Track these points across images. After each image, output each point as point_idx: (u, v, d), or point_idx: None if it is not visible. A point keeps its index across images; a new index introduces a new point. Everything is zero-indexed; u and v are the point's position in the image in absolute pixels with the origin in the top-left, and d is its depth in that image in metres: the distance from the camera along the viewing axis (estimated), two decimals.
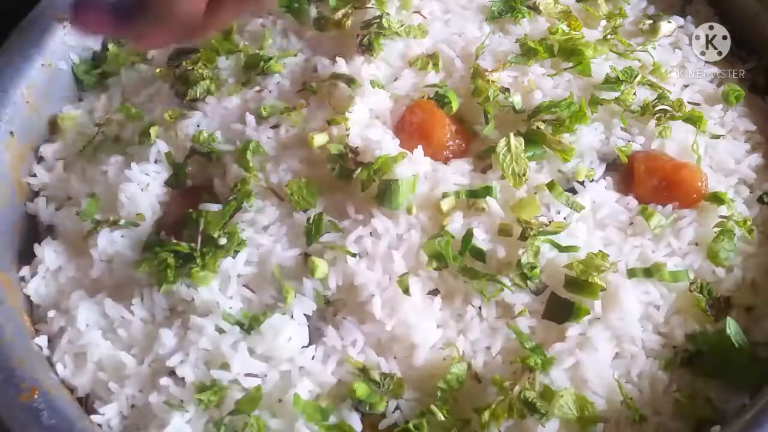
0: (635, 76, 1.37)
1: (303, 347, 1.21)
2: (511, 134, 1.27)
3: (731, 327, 1.18)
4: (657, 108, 1.35)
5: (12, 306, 1.30)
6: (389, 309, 1.20)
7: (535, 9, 1.49)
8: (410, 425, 1.13)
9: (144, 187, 1.37)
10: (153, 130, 1.41)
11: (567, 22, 1.47)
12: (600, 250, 1.21)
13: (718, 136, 1.37)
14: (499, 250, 1.21)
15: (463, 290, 1.22)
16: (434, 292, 1.23)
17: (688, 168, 1.30)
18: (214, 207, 1.29)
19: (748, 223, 1.28)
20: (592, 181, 1.30)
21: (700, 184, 1.30)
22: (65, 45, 1.59)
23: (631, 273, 1.21)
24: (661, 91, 1.39)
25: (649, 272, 1.21)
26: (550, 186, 1.24)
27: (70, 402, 1.22)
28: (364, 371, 1.18)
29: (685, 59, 1.48)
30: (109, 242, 1.33)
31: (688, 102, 1.40)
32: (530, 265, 1.19)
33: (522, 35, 1.45)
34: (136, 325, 1.26)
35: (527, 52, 1.41)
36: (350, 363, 1.18)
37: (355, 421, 1.18)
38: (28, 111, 1.50)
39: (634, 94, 1.35)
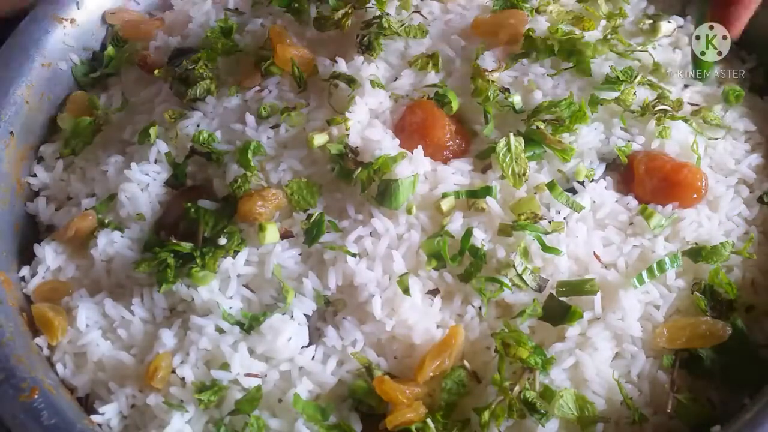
0: (635, 76, 1.38)
1: (303, 347, 1.21)
2: (511, 134, 1.27)
3: (732, 327, 1.18)
4: (657, 108, 1.35)
5: (12, 306, 1.30)
6: (389, 309, 1.20)
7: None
8: (412, 426, 1.13)
9: (144, 187, 1.37)
10: (153, 130, 1.41)
11: (581, 25, 1.47)
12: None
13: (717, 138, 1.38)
14: (499, 250, 1.21)
15: (463, 290, 1.22)
16: (434, 292, 1.23)
17: (688, 168, 1.30)
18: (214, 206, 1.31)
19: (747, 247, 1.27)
20: (593, 181, 1.30)
21: (700, 184, 1.30)
22: (65, 45, 1.59)
23: (640, 279, 1.20)
24: (661, 91, 1.39)
25: (651, 272, 1.21)
26: (550, 186, 1.24)
27: (70, 402, 1.22)
28: (368, 369, 1.18)
29: (685, 59, 1.48)
30: (109, 242, 1.33)
31: (688, 102, 1.41)
32: (523, 265, 1.20)
33: None
34: (136, 325, 1.26)
35: (530, 45, 1.41)
36: (356, 358, 1.19)
37: (355, 421, 1.18)
38: (28, 111, 1.50)
39: (634, 94, 1.35)
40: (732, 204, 1.31)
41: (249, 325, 1.21)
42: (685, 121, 1.35)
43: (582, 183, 1.28)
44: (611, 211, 1.27)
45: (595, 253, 1.23)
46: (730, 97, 1.42)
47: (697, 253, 1.24)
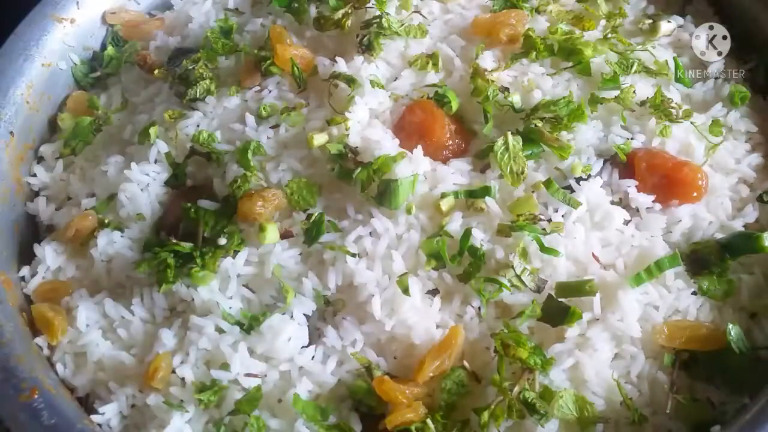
0: (632, 65, 1.38)
1: (303, 347, 1.21)
2: (509, 133, 1.27)
3: (732, 333, 1.18)
4: (659, 109, 1.35)
5: (12, 306, 1.30)
6: (389, 309, 1.20)
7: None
8: (412, 427, 1.13)
9: (144, 187, 1.37)
10: (153, 130, 1.41)
11: (581, 25, 1.47)
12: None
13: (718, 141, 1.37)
14: (497, 250, 1.21)
15: (462, 290, 1.22)
16: (434, 292, 1.23)
17: (689, 166, 1.30)
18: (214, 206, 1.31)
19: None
20: (590, 176, 1.29)
21: (700, 182, 1.30)
22: (65, 45, 1.59)
23: (638, 279, 1.20)
24: (657, 78, 1.40)
25: (649, 272, 1.21)
26: (547, 183, 1.24)
27: (70, 402, 1.22)
28: (368, 369, 1.18)
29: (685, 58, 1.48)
30: (109, 242, 1.33)
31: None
32: (522, 266, 1.20)
33: None
34: (136, 325, 1.27)
35: (530, 45, 1.40)
36: (356, 358, 1.19)
37: (355, 421, 1.18)
38: (28, 111, 1.50)
39: (634, 92, 1.35)
40: (731, 203, 1.32)
41: (249, 324, 1.21)
42: (687, 116, 1.36)
43: (579, 180, 1.28)
44: (610, 210, 1.27)
45: (594, 254, 1.23)
46: (735, 99, 1.42)
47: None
